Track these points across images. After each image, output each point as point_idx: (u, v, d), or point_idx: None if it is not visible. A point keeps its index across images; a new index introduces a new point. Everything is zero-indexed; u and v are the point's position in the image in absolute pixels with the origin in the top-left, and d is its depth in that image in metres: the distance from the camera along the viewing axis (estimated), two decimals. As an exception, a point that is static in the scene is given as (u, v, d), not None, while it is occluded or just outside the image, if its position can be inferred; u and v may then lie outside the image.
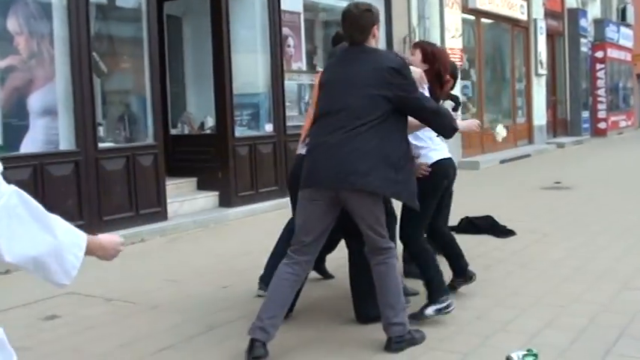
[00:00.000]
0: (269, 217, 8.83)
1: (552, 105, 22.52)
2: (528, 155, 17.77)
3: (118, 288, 6.05)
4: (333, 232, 4.48)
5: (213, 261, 7.05)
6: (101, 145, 8.11)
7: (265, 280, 5.44)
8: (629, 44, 28.56)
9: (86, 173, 7.77)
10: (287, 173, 6.24)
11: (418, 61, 5.06)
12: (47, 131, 7.66)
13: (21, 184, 6.97)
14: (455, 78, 6.49)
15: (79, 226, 7.01)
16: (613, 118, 26.49)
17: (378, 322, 4.49)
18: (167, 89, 10.63)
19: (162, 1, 10.33)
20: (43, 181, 7.32)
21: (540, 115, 20.64)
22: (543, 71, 20.78)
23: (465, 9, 16.17)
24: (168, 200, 8.85)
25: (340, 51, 4.58)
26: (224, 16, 9.80)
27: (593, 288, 5.65)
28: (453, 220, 7.54)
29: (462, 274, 5.46)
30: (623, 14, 28.69)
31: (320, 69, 7.47)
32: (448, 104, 5.05)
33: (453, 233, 7.36)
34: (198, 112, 10.89)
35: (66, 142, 7.75)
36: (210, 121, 10.40)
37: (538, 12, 20.30)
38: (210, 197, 9.77)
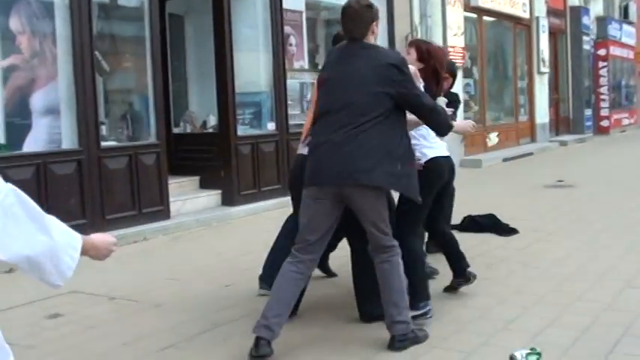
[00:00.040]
0: (271, 215, 8.82)
1: (555, 103, 22.50)
2: (531, 153, 17.75)
3: (120, 286, 6.05)
4: (335, 231, 4.48)
5: (215, 260, 7.05)
6: (104, 143, 8.12)
7: (265, 279, 5.47)
8: (632, 42, 28.51)
9: (89, 172, 7.77)
10: (289, 172, 6.26)
11: (413, 59, 5.06)
12: (50, 130, 7.67)
13: (24, 183, 6.98)
14: (454, 76, 6.49)
15: (82, 225, 7.05)
16: (616, 116, 26.46)
17: (381, 320, 4.49)
18: (169, 88, 10.64)
19: (164, 0, 10.34)
20: (45, 180, 7.33)
21: (543, 113, 20.62)
22: (546, 69, 20.76)
23: (467, 7, 16.15)
24: (171, 199, 8.85)
25: (338, 48, 4.56)
26: (226, 14, 9.80)
27: (597, 286, 5.64)
28: (456, 218, 7.54)
29: (462, 274, 5.43)
30: (625, 12, 28.67)
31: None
32: (442, 100, 5.03)
33: (455, 232, 7.39)
34: (201, 110, 10.90)
35: (68, 141, 7.76)
36: (213, 120, 10.41)
37: (540, 10, 20.28)
38: (213, 196, 9.78)
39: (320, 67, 4.88)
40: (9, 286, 5.99)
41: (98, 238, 2.31)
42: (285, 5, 10.76)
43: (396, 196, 4.75)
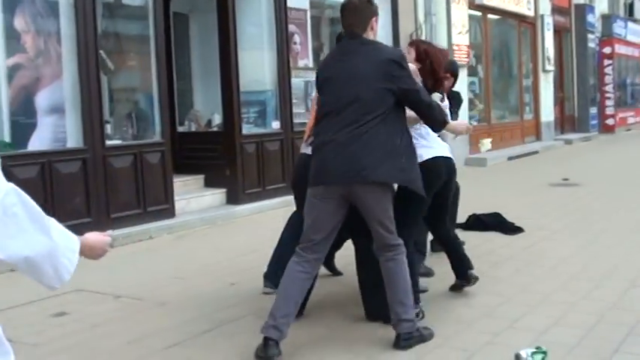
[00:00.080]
0: (276, 214, 8.80)
1: (560, 101, 22.47)
2: (536, 152, 17.74)
3: (126, 285, 6.06)
4: (341, 230, 4.48)
5: (220, 258, 7.05)
6: (108, 142, 8.13)
7: (270, 277, 5.48)
8: (637, 40, 28.44)
9: (94, 171, 7.78)
10: (292, 171, 6.27)
11: (412, 59, 5.06)
12: (55, 129, 7.68)
13: (29, 182, 7.00)
14: (455, 75, 6.48)
15: (87, 224, 7.06)
16: (621, 115, 26.40)
17: (387, 319, 4.49)
18: (174, 86, 10.65)
19: (168, -1, 10.35)
20: (50, 178, 7.34)
21: (548, 112, 20.60)
22: (551, 67, 20.72)
23: (472, 5, 16.13)
24: (176, 197, 8.86)
25: (338, 44, 4.55)
26: (230, 13, 9.80)
27: (602, 285, 5.63)
28: (461, 217, 7.53)
29: (464, 276, 5.42)
30: (630, 10, 28.60)
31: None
32: (436, 96, 5.03)
33: (460, 230, 7.39)
34: (205, 109, 10.91)
35: (73, 139, 7.77)
36: (218, 119, 10.41)
37: (545, 8, 20.25)
38: (218, 194, 9.78)
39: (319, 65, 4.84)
40: (14, 285, 6.00)
41: (93, 238, 2.31)
42: (289, 4, 10.75)
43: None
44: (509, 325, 4.72)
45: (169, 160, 8.75)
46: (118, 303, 5.60)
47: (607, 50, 25.33)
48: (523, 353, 4.03)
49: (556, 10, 21.27)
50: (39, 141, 7.48)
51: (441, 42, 14.49)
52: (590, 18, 23.48)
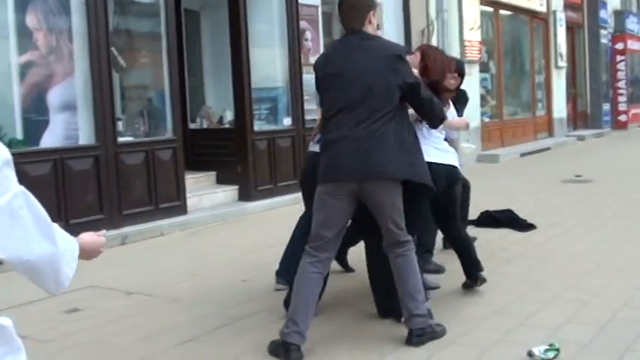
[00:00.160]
0: (288, 210, 8.81)
1: (572, 97, 22.37)
2: (548, 148, 17.67)
3: (138, 281, 6.07)
4: (354, 229, 4.48)
5: (232, 255, 7.06)
6: (120, 139, 8.15)
7: (282, 274, 5.49)
8: (650, 36, 28.27)
9: (106, 168, 7.80)
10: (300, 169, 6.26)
11: (417, 62, 5.07)
12: (67, 126, 7.70)
13: (41, 179, 7.02)
14: (462, 75, 6.47)
15: (99, 221, 7.08)
16: (634, 111, 26.24)
17: (399, 316, 4.49)
18: (185, 83, 10.65)
19: (180, -4, 10.36)
20: (63, 175, 7.36)
21: (560, 108, 20.52)
22: (563, 63, 20.64)
23: (484, 1, 16.07)
24: (188, 194, 8.87)
25: (339, 40, 4.53)
26: (242, 9, 9.79)
27: (615, 283, 5.61)
28: (473, 213, 7.52)
29: (472, 277, 5.40)
30: (643, 5, 28.43)
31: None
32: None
33: (472, 227, 7.37)
34: (217, 106, 10.92)
35: (85, 136, 7.79)
36: (229, 115, 10.42)
37: (557, 4, 20.16)
38: (230, 191, 9.79)
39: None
40: (27, 282, 6.01)
41: (88, 239, 2.31)
42: (300, 0, 10.74)
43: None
44: (521, 322, 4.71)
45: (181, 156, 8.76)
46: (131, 299, 5.62)
47: (619, 46, 25.18)
48: (536, 350, 4.01)
49: (568, 5, 21.18)
50: (51, 138, 7.50)
51: (453, 38, 14.47)
52: (602, 14, 23.36)
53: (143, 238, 7.83)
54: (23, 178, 2.05)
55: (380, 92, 4.16)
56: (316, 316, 4.72)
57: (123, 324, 4.99)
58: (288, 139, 10.40)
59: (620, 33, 25.13)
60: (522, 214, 8.10)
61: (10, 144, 6.73)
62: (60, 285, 2.12)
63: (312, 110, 10.80)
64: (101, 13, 7.80)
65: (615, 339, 4.34)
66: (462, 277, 5.47)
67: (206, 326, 4.83)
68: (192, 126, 10.80)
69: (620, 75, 25.11)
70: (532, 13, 19.02)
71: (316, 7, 11.25)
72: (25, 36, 7.30)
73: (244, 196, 9.76)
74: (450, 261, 5.90)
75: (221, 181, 10.03)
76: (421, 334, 4.31)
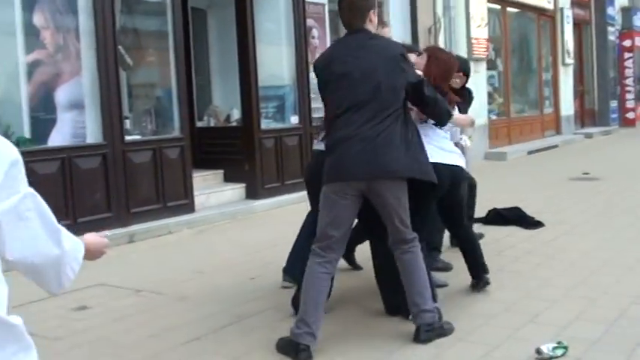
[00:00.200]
0: (295, 208, 8.81)
1: (580, 95, 22.31)
2: (556, 146, 17.62)
3: (146, 279, 6.08)
4: (366, 221, 4.49)
5: (240, 253, 7.07)
6: (128, 138, 8.16)
7: (289, 271, 5.51)
8: (658, 33, 28.17)
9: (113, 166, 7.81)
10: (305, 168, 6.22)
11: (423, 63, 5.09)
12: (74, 124, 7.71)
13: (49, 177, 7.02)
14: (467, 74, 6.47)
15: (107, 219, 7.08)
16: (642, 108, 26.17)
17: (406, 314, 4.49)
18: (193, 82, 10.66)
19: (186, -6, 10.36)
20: (70, 174, 7.37)
21: (568, 106, 20.46)
22: (570, 61, 20.58)
23: (491, -2, 16.06)
24: (196, 192, 8.88)
25: (343, 39, 4.52)
26: (248, 7, 9.80)
27: (623, 280, 5.59)
28: (481, 211, 7.51)
29: (477, 278, 5.38)
30: (651, 2, 28.33)
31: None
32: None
33: (479, 225, 7.36)
34: (224, 104, 10.93)
35: (93, 135, 7.80)
36: (236, 114, 10.43)
37: (564, 1, 20.09)
38: (237, 189, 9.80)
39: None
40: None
41: (92, 240, 2.32)
42: (307, -2, 10.75)
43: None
44: (530, 319, 4.70)
45: (189, 155, 8.77)
46: (139, 297, 5.63)
47: (627, 43, 25.10)
48: (544, 348, 4.01)
49: (575, 2, 21.12)
50: (59, 137, 7.52)
51: (460, 36, 14.45)
52: (610, 10, 23.29)
53: (151, 236, 7.85)
54: (31, 177, 2.06)
55: (387, 91, 4.17)
56: (325, 313, 4.73)
57: (131, 322, 5.00)
58: (295, 137, 10.40)
59: (628, 30, 25.04)
60: (530, 211, 8.08)
61: (18, 142, 6.75)
62: (62, 285, 2.13)
63: (319, 108, 10.74)
64: (108, 11, 7.82)
65: (624, 336, 4.33)
66: (468, 275, 5.46)
67: (213, 324, 4.84)
68: (199, 124, 10.82)
69: (628, 72, 25.02)
70: (539, 10, 18.97)
71: (323, 4, 11.25)
72: (32, 35, 7.32)
73: (252, 194, 9.77)
74: (457, 258, 5.88)
75: (228, 179, 10.04)
76: (429, 330, 4.30)
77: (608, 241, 7.01)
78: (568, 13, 20.24)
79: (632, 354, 4.06)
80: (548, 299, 5.12)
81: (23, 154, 2.03)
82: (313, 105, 10.70)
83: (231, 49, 10.18)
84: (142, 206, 8.10)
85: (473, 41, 14.78)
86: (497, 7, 16.91)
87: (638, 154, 15.65)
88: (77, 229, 2.30)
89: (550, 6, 19.23)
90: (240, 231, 8.32)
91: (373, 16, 4.37)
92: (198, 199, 8.95)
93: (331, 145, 4.30)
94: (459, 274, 5.62)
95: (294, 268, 5.34)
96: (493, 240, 6.94)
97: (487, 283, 5.35)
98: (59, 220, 2.11)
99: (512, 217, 7.95)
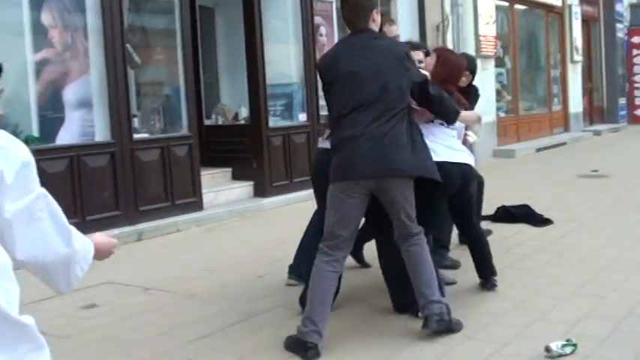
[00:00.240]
0: (303, 206, 8.81)
1: (588, 92, 22.23)
2: (564, 143, 17.57)
3: (155, 277, 6.09)
4: (372, 220, 4.49)
5: (248, 250, 7.07)
6: (136, 136, 8.17)
7: (294, 269, 5.51)
8: (667, 29, 28.05)
9: (122, 164, 7.82)
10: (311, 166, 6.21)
11: (432, 64, 5.08)
12: (83, 123, 7.73)
13: (57, 176, 7.04)
14: (473, 72, 6.46)
15: (116, 217, 7.10)
16: (650, 105, 26.07)
17: (415, 311, 4.49)
18: (200, 80, 10.66)
19: (194, -8, 10.37)
20: (79, 172, 7.39)
21: (576, 103, 20.40)
22: (579, 58, 20.52)
23: (499, -5, 16.01)
24: (204, 190, 8.89)
25: (348, 39, 4.51)
26: (256, 5, 9.80)
27: (632, 278, 5.57)
28: (490, 209, 7.49)
29: (483, 278, 5.37)
30: (660, -1, 28.22)
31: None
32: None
33: (488, 222, 7.34)
34: (232, 102, 10.94)
35: (101, 133, 7.82)
36: (244, 112, 10.43)
37: (573, -3, 20.05)
38: (245, 187, 9.80)
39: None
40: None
41: (101, 240, 2.33)
42: (315, -5, 10.75)
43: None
44: (539, 317, 4.69)
45: (197, 153, 8.78)
46: (148, 295, 5.64)
47: (636, 40, 24.99)
48: (553, 345, 4.00)
49: (584, -1, 21.07)
50: (67, 135, 7.53)
51: (468, 33, 14.41)
52: (618, 7, 23.20)
53: (159, 234, 7.86)
54: (39, 175, 2.06)
55: (394, 91, 4.18)
56: (332, 311, 4.73)
57: (139, 320, 5.01)
58: (303, 135, 10.40)
59: (637, 26, 24.91)
60: (538, 209, 8.06)
61: (27, 141, 6.76)
62: (70, 285, 2.15)
63: (327, 106, 10.78)
64: (116, 10, 7.83)
65: (633, 334, 4.31)
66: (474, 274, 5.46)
67: (222, 322, 4.84)
68: (207, 122, 10.83)
69: (637, 69, 24.90)
70: (547, 7, 18.91)
71: (330, 2, 11.24)
72: (40, 34, 7.33)
73: (260, 192, 9.77)
74: (465, 256, 5.87)
75: (236, 177, 10.05)
76: (439, 320, 4.29)
77: (617, 238, 6.98)
78: (576, 10, 20.18)
79: (641, 352, 4.06)
80: (557, 297, 5.11)
81: (32, 152, 2.03)
82: (321, 102, 10.67)
83: (238, 47, 10.18)
84: (151, 204, 8.11)
85: (481, 39, 14.75)
86: (505, 4, 16.86)
87: (647, 152, 15.60)
88: (85, 228, 2.32)
89: (558, 3, 19.17)
90: (248, 229, 8.32)
91: (376, 16, 4.37)
92: (207, 197, 8.96)
93: (337, 144, 4.30)
94: (468, 271, 5.61)
95: (300, 266, 5.35)
96: (502, 237, 6.93)
97: (494, 285, 5.32)
98: (67, 218, 2.12)
99: (520, 214, 7.93)
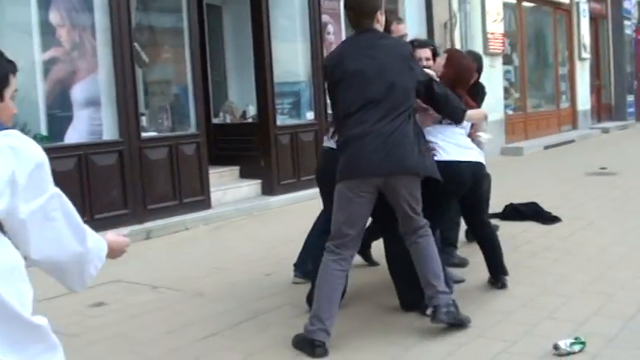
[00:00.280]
0: (311, 204, 8.80)
1: (596, 89, 22.16)
2: (572, 141, 17.53)
3: (163, 276, 6.10)
4: (380, 218, 4.49)
5: (256, 249, 7.08)
6: (144, 134, 8.18)
7: (299, 266, 5.52)
8: (675, 26, 27.94)
9: (130, 163, 7.84)
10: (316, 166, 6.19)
11: (441, 64, 5.08)
12: (91, 122, 7.75)
13: (66, 174, 7.05)
14: (479, 69, 6.45)
15: (124, 215, 7.10)
16: (659, 102, 25.97)
17: (423, 310, 4.48)
18: (208, 78, 10.68)
19: (202, -9, 10.37)
20: (87, 171, 7.41)
21: (584, 100, 20.35)
22: (587, 55, 20.46)
23: (506, -7, 15.97)
24: (212, 189, 8.90)
25: (354, 38, 4.51)
26: (264, 4, 9.79)
27: (641, 275, 5.56)
28: (498, 206, 7.48)
29: (494, 277, 5.36)
30: (668, -4, 28.11)
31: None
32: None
33: (496, 220, 7.32)
34: (240, 100, 10.94)
35: (109, 132, 7.83)
36: (252, 110, 10.43)
37: (581, -6, 19.99)
38: (253, 185, 9.81)
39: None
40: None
41: (113, 239, 2.34)
42: (322, -6, 10.74)
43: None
44: (547, 315, 4.68)
45: (205, 151, 8.79)
46: (156, 293, 5.65)
47: (644, 37, 24.93)
48: (562, 344, 3.99)
49: (592, -4, 21.00)
50: (75, 134, 7.55)
51: (476, 30, 14.38)
52: (626, 4, 23.11)
53: (167, 232, 7.87)
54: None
55: (400, 90, 4.21)
56: (339, 310, 4.73)
57: (147, 318, 5.02)
58: (310, 134, 10.39)
59: (645, 24, 24.86)
60: (547, 206, 8.04)
61: (35, 140, 6.76)
62: (84, 283, 2.16)
63: (335, 104, 10.77)
64: (124, 8, 7.84)
65: (642, 332, 4.31)
66: (485, 270, 5.44)
67: (229, 320, 4.85)
68: (215, 121, 10.84)
69: (645, 66, 24.84)
70: (555, 5, 18.85)
71: (338, 0, 11.23)
72: (48, 33, 7.35)
73: (267, 190, 9.77)
74: (473, 254, 5.87)
75: (244, 175, 10.05)
76: (448, 312, 4.30)
77: (625, 236, 6.96)
78: (584, 7, 20.11)
79: (650, 350, 4.04)
80: (565, 295, 5.10)
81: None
82: (329, 101, 10.67)
83: (246, 46, 10.19)
84: (159, 203, 8.12)
85: (489, 36, 14.72)
86: (513, 1, 16.82)
87: (655, 149, 15.55)
88: (94, 226, 2.31)
89: (566, 0, 19.11)
90: (256, 227, 8.33)
91: (380, 17, 4.38)
92: (215, 195, 8.96)
93: (344, 143, 4.30)
94: (476, 269, 5.61)
95: (305, 265, 5.36)
96: (510, 235, 6.91)
97: (504, 285, 5.31)
98: (76, 217, 2.12)
99: (529, 212, 7.92)
